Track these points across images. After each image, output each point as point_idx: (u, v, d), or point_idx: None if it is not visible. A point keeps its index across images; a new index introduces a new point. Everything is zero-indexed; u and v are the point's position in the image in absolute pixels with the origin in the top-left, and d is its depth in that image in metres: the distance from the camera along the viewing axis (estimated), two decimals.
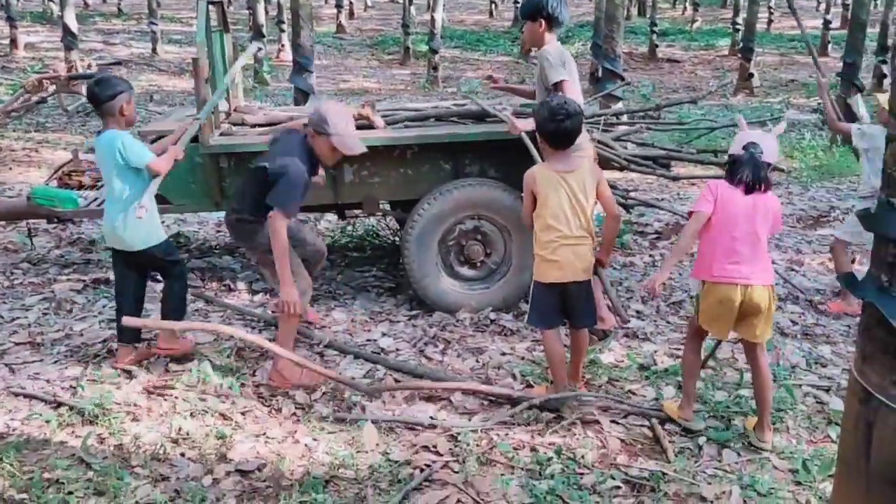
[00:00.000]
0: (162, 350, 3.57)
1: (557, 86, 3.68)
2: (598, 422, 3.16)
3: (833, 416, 3.19)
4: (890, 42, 10.25)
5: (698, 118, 7.12)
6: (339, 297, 4.48)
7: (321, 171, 3.70)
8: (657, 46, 17.35)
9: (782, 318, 4.22)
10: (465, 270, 4.29)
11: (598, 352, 3.76)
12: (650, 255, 5.37)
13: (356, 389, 3.34)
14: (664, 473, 2.81)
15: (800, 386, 3.44)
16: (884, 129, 4.29)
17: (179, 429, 3.04)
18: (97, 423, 3.07)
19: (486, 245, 4.24)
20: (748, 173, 2.83)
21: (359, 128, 4.28)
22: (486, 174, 4.30)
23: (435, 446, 2.99)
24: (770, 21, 20.72)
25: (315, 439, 3.03)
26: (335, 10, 22.82)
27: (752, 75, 12.97)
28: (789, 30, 21.80)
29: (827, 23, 16.74)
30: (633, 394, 3.42)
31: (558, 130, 3.04)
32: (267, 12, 16.11)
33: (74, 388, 3.32)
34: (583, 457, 2.91)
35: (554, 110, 3.03)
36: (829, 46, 16.85)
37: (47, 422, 3.06)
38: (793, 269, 5.06)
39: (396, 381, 3.49)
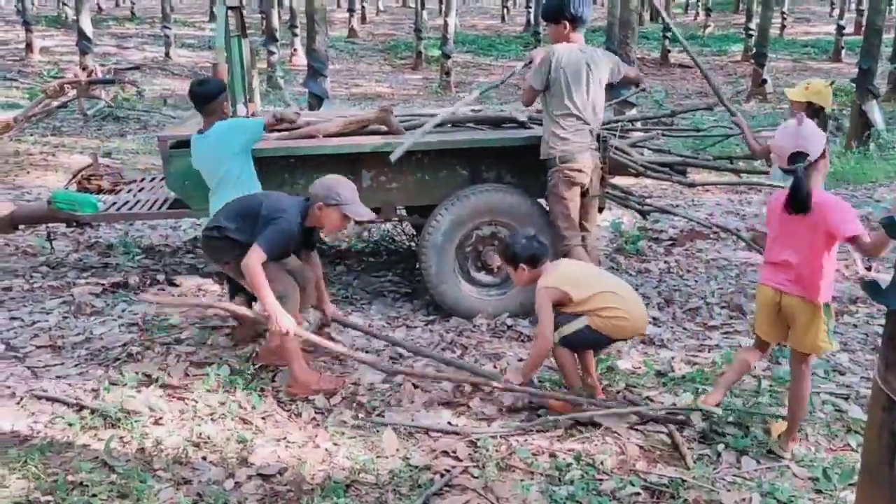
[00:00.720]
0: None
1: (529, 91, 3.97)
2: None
3: (852, 424, 3.18)
4: None
5: (712, 124, 7.13)
6: (355, 303, 4.50)
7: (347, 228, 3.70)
8: (669, 52, 17.37)
9: None
10: (482, 276, 4.30)
11: (616, 358, 3.76)
12: (665, 262, 5.37)
13: (375, 368, 3.42)
14: (683, 480, 2.81)
15: (818, 394, 3.43)
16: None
17: (200, 433, 3.06)
18: (119, 427, 3.10)
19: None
20: (789, 197, 2.80)
21: (376, 133, 4.33)
22: (503, 180, 4.32)
23: (454, 451, 2.99)
24: (783, 26, 20.70)
25: (335, 444, 3.04)
26: (347, 15, 22.96)
27: (765, 81, 12.96)
28: (802, 35, 21.78)
29: (841, 28, 16.71)
30: (651, 400, 3.42)
31: (538, 248, 3.29)
32: (279, 16, 16.20)
33: (96, 391, 3.35)
34: (602, 463, 2.91)
35: (527, 234, 3.32)
36: (843, 52, 16.82)
37: (70, 425, 3.09)
38: None
39: (415, 385, 3.50)
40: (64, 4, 24.22)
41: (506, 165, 4.32)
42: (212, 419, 3.18)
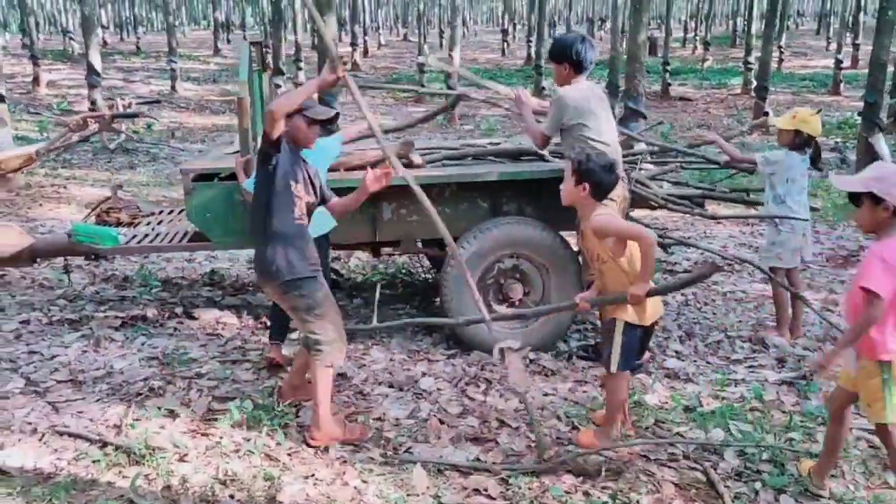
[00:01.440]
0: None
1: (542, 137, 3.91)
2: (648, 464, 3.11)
3: (888, 461, 3.13)
4: None
5: (716, 155, 7.15)
6: (375, 335, 4.47)
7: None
8: (670, 85, 17.52)
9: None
10: (504, 309, 4.27)
11: (643, 392, 3.72)
12: (682, 294, 5.34)
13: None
14: None
15: (851, 430, 3.39)
16: (788, 153, 4.36)
17: (227, 470, 3.01)
18: (144, 464, 3.04)
19: (525, 284, 4.24)
20: None
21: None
22: (524, 212, 4.32)
23: (486, 489, 2.94)
24: (781, 60, 20.90)
25: (364, 481, 2.99)
26: (350, 49, 23.20)
27: (767, 114, 13.04)
28: (800, 69, 22.02)
29: (839, 62, 16.89)
30: (682, 436, 3.38)
31: (610, 182, 3.05)
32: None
33: (119, 426, 3.30)
34: (637, 502, 2.86)
35: (609, 163, 3.05)
36: (842, 85, 16.99)
37: (95, 462, 3.04)
38: (828, 310, 5.02)
39: (441, 421, 3.45)
40: (70, 39, 24.50)
41: (526, 198, 4.32)
42: (237, 456, 3.13)
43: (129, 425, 3.26)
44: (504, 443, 3.30)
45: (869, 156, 8.54)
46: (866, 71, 9.28)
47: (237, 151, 4.30)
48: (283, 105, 3.02)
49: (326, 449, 3.21)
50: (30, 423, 3.33)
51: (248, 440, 3.23)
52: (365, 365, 4.05)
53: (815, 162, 4.47)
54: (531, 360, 4.12)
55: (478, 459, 3.17)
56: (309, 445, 3.22)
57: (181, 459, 3.09)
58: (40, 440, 3.21)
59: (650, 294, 2.98)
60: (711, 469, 3.06)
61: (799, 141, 4.34)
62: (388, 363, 4.09)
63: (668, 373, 4.05)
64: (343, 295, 5.08)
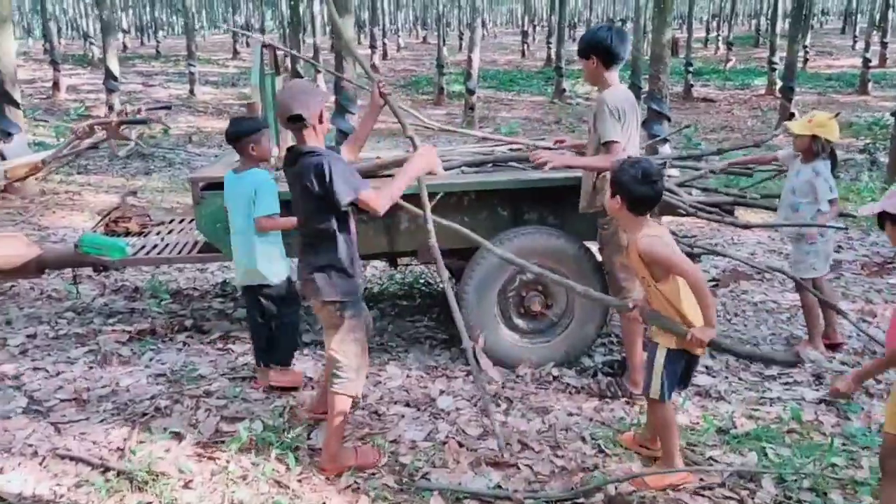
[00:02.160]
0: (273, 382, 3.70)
1: (606, 146, 3.46)
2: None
3: None
4: None
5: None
6: (391, 350, 4.30)
7: None
8: (692, 86, 17.25)
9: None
10: (525, 322, 4.09)
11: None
12: None
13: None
14: None
15: None
16: (826, 163, 4.13)
17: (233, 498, 2.85)
18: (146, 490, 2.90)
19: (547, 296, 4.05)
20: None
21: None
22: (545, 222, 4.13)
23: None
24: (806, 60, 20.54)
25: None
26: (369, 51, 23.13)
27: (793, 115, 12.75)
28: (825, 69, 21.62)
29: (867, 61, 16.53)
30: (715, 461, 3.17)
31: (646, 195, 2.82)
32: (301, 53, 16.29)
33: (122, 449, 3.16)
34: None
35: (646, 171, 2.78)
36: (870, 85, 16.63)
37: (95, 488, 2.89)
38: (865, 321, 4.78)
39: (460, 444, 3.28)
40: (91, 44, 24.68)
41: (549, 207, 4.13)
42: (245, 482, 2.97)
43: (131, 451, 3.11)
44: (527, 467, 3.12)
45: None
46: (895, 70, 8.98)
47: None
48: (387, 204, 2.91)
49: (339, 475, 3.05)
50: (31, 446, 3.20)
51: (257, 465, 3.07)
52: (381, 382, 3.88)
53: (832, 168, 4.24)
54: (555, 377, 3.93)
55: (499, 486, 2.99)
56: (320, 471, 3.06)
57: (186, 486, 2.94)
58: (41, 464, 3.07)
59: (715, 347, 2.79)
60: (749, 499, 2.86)
61: (816, 147, 4.12)
62: (404, 380, 3.91)
63: (698, 390, 3.84)
64: None
